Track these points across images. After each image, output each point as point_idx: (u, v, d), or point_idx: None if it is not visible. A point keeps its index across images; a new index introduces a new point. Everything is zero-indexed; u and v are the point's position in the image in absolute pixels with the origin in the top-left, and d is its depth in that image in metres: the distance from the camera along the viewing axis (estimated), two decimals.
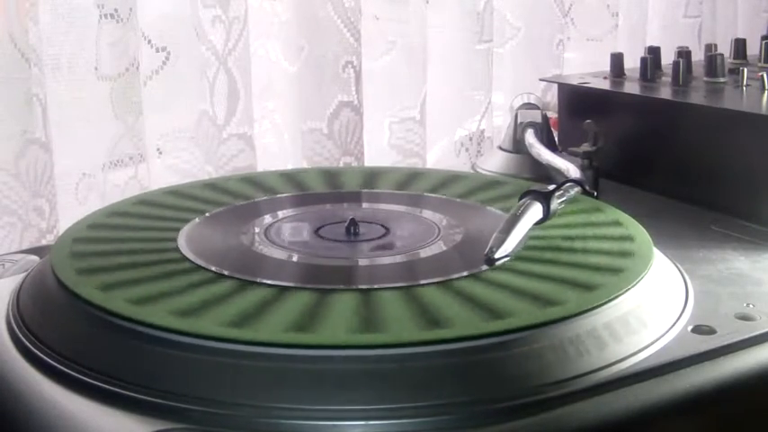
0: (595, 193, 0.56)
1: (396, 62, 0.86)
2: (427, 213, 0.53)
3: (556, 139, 0.70)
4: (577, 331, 0.38)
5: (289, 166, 0.83)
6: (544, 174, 0.62)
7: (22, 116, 0.65)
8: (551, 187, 0.51)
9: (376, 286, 0.42)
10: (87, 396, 0.36)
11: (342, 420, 0.34)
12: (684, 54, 0.69)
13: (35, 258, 0.52)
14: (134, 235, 0.50)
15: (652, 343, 0.40)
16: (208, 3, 0.74)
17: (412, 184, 0.59)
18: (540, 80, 0.82)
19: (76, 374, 0.37)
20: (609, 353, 0.38)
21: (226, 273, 0.44)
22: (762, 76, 0.65)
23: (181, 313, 0.39)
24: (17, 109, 0.65)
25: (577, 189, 0.54)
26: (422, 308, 0.40)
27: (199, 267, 0.44)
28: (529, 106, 0.70)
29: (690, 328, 0.41)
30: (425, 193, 0.57)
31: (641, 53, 0.72)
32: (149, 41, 0.73)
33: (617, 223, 0.51)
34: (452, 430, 0.34)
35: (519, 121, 0.69)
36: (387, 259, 0.47)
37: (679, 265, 0.48)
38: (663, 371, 0.38)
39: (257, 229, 0.51)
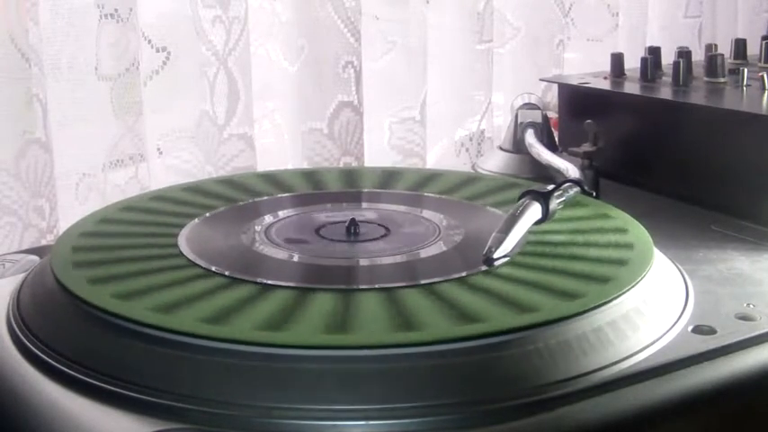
0: (594, 193, 0.56)
1: (396, 62, 0.86)
2: (428, 213, 0.53)
3: (556, 139, 0.70)
4: (577, 331, 0.38)
5: (289, 166, 0.83)
6: (544, 174, 0.62)
7: (22, 116, 0.65)
8: (550, 187, 0.51)
9: (377, 286, 0.42)
10: (87, 396, 0.36)
11: (342, 420, 0.34)
12: (684, 54, 0.69)
13: (35, 258, 0.52)
14: (135, 235, 0.50)
15: (652, 343, 0.40)
16: (208, 3, 0.74)
17: (426, 187, 0.59)
18: (541, 80, 0.82)
19: (76, 374, 0.37)
20: (609, 353, 0.38)
21: (227, 274, 0.44)
22: (762, 76, 0.65)
23: (181, 313, 0.39)
24: (17, 109, 0.65)
25: (576, 189, 0.54)
26: (422, 308, 0.40)
27: (200, 269, 0.44)
28: (529, 106, 0.70)
29: (690, 328, 0.41)
30: (426, 193, 0.57)
31: (641, 53, 0.72)
32: (149, 41, 0.73)
33: (617, 223, 0.50)
34: (452, 430, 0.34)
35: (519, 121, 0.69)
36: (387, 259, 0.47)
37: (679, 266, 0.48)
38: (663, 371, 0.38)
39: (258, 229, 0.51)
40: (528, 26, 0.97)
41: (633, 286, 0.42)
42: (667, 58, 0.71)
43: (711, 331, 0.41)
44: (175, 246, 0.47)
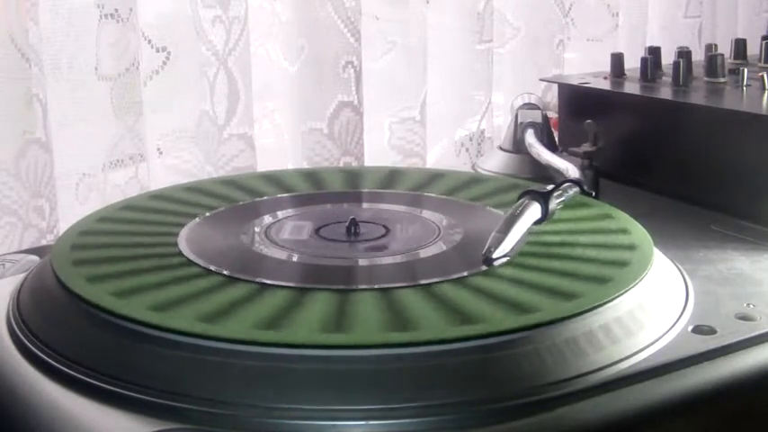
0: (594, 193, 0.56)
1: (396, 62, 0.86)
2: (427, 213, 0.53)
3: (556, 139, 0.71)
4: (577, 331, 0.38)
5: (289, 166, 0.83)
6: (544, 174, 0.62)
7: (22, 116, 0.65)
8: (550, 187, 0.51)
9: (376, 286, 0.42)
10: (87, 396, 0.36)
11: (342, 420, 0.34)
12: (684, 54, 0.69)
13: (35, 258, 0.52)
14: (135, 236, 0.50)
15: (652, 343, 0.40)
16: (208, 3, 0.74)
17: (396, 184, 0.59)
18: (541, 80, 0.82)
19: (76, 374, 0.37)
20: (609, 353, 0.38)
21: (227, 273, 0.44)
22: (762, 76, 0.65)
23: (181, 313, 0.39)
24: (17, 109, 0.65)
25: (576, 189, 0.54)
26: (422, 308, 0.40)
27: (200, 268, 0.44)
28: (529, 106, 0.70)
29: (690, 328, 0.41)
30: (426, 193, 0.57)
31: (641, 53, 0.72)
32: (149, 41, 0.73)
33: (617, 223, 0.50)
34: (452, 430, 0.34)
35: (519, 121, 0.69)
36: (387, 259, 0.47)
37: (679, 265, 0.48)
38: (663, 371, 0.38)
39: (258, 229, 0.51)
40: (528, 26, 0.97)
41: (633, 286, 0.42)
42: (667, 58, 0.71)
43: (711, 331, 0.41)
44: (176, 246, 0.47)
